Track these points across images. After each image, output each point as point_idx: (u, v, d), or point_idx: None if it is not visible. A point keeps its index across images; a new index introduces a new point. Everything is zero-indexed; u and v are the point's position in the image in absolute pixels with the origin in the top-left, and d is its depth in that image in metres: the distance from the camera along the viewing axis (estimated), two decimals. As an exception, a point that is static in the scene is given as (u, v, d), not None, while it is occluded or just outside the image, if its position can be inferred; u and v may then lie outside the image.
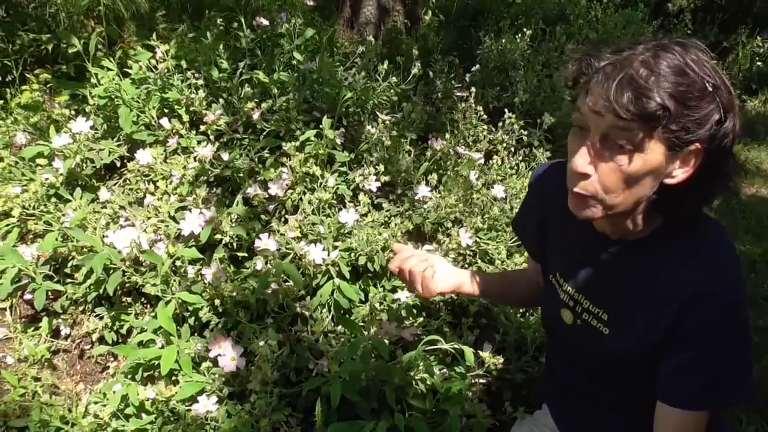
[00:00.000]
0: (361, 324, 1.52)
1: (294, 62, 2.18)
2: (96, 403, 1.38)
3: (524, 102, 2.23)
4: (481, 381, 1.56)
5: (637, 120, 0.78)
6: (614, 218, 0.92)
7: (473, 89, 2.33)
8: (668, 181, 0.84)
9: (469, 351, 1.47)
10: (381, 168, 1.87)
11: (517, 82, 2.43)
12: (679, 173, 0.84)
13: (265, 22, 2.26)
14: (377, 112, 2.05)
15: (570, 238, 1.06)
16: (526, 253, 1.79)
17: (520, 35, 2.71)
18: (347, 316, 1.59)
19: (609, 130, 0.81)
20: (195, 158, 1.77)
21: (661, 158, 0.82)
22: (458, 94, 2.32)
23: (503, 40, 2.72)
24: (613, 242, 0.97)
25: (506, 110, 2.21)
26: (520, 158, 2.11)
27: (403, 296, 1.63)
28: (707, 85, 0.79)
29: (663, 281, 0.92)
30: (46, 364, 1.59)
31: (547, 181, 1.11)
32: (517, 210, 1.28)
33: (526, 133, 2.22)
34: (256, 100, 1.93)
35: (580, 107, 0.84)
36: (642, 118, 0.78)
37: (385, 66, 2.13)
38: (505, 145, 2.15)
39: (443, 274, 1.12)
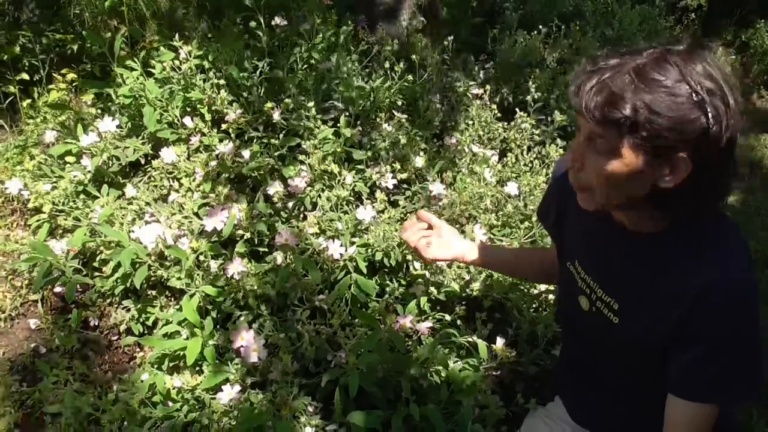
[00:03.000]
0: (378, 317, 1.57)
1: (312, 61, 2.22)
2: (125, 391, 1.43)
3: (538, 100, 2.25)
4: (494, 373, 1.59)
5: (604, 126, 0.83)
6: (621, 212, 0.96)
7: (488, 87, 2.37)
8: (661, 185, 0.86)
9: (482, 344, 1.51)
10: (397, 166, 1.91)
11: (531, 79, 2.45)
12: (670, 179, 0.85)
13: (284, 22, 2.30)
14: (393, 111, 2.09)
15: (588, 228, 1.09)
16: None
17: (534, 33, 2.73)
18: (364, 309, 1.63)
19: (589, 132, 0.86)
20: (217, 156, 1.83)
21: (640, 164, 0.85)
22: (473, 91, 2.35)
23: (518, 38, 2.74)
24: (629, 234, 0.99)
25: (517, 109, 2.24)
26: (534, 156, 2.13)
27: (418, 291, 1.68)
28: (693, 94, 0.80)
29: (675, 275, 0.94)
30: (76, 354, 1.66)
31: (565, 174, 1.15)
32: (538, 202, 1.33)
33: (538, 131, 2.24)
34: (275, 99, 1.98)
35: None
36: (607, 124, 0.82)
37: (401, 64, 2.17)
38: (518, 142, 2.18)
39: (441, 245, 1.27)
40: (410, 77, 2.19)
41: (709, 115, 0.80)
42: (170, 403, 1.41)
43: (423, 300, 1.65)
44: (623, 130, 0.82)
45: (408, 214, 1.87)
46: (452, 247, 1.29)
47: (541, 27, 2.72)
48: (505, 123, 2.26)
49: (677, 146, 0.82)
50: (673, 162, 0.84)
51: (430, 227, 1.30)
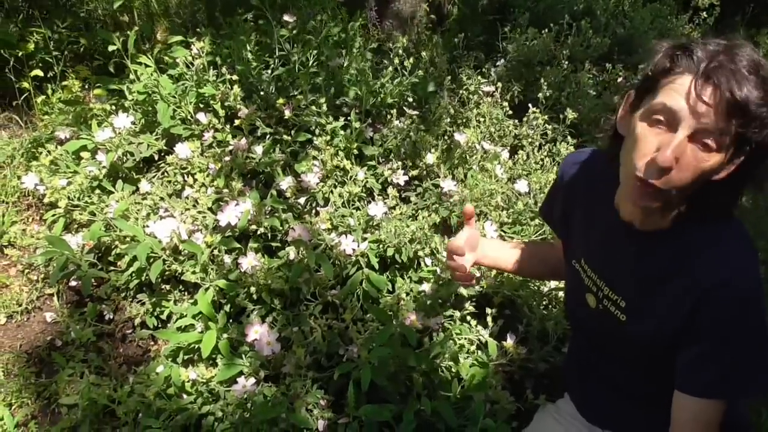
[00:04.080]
0: (389, 313, 1.58)
1: (323, 58, 2.24)
2: (140, 383, 1.46)
3: (549, 97, 2.26)
4: (504, 370, 1.60)
5: (740, 118, 0.79)
6: (654, 210, 0.93)
7: (499, 84, 2.37)
8: (714, 176, 0.86)
9: (492, 341, 1.52)
10: (408, 162, 1.92)
11: (542, 77, 2.45)
12: (724, 172, 0.86)
13: (294, 19, 2.31)
14: (404, 107, 2.10)
15: (595, 226, 1.09)
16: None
17: (546, 30, 2.72)
18: (375, 305, 1.65)
19: (704, 128, 0.81)
20: (230, 152, 1.85)
21: (730, 156, 0.84)
22: (484, 88, 2.36)
23: (528, 35, 2.74)
24: (636, 232, 0.99)
25: (530, 105, 2.24)
26: (545, 153, 2.14)
27: (428, 287, 1.69)
28: None
29: (682, 272, 0.95)
30: (91, 346, 1.68)
31: (573, 172, 1.15)
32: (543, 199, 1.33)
33: (550, 128, 2.25)
34: (287, 95, 2.00)
35: (673, 100, 0.83)
36: (746, 118, 0.80)
37: (411, 60, 2.17)
38: (530, 140, 2.18)
39: (464, 261, 1.26)
40: (421, 73, 2.20)
41: None
42: (185, 396, 1.43)
43: (434, 296, 1.66)
44: (749, 126, 0.80)
45: (419, 211, 1.88)
46: (470, 258, 1.29)
47: (552, 25, 2.71)
48: (516, 120, 2.26)
49: (759, 140, 0.82)
50: (737, 158, 0.84)
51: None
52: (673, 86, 0.84)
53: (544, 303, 1.77)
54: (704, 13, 3.36)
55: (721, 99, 0.79)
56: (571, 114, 2.20)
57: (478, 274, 1.73)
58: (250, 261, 1.58)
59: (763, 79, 0.80)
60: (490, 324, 1.57)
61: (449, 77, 2.36)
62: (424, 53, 2.28)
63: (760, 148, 0.84)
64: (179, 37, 2.25)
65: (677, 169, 0.84)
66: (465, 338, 1.56)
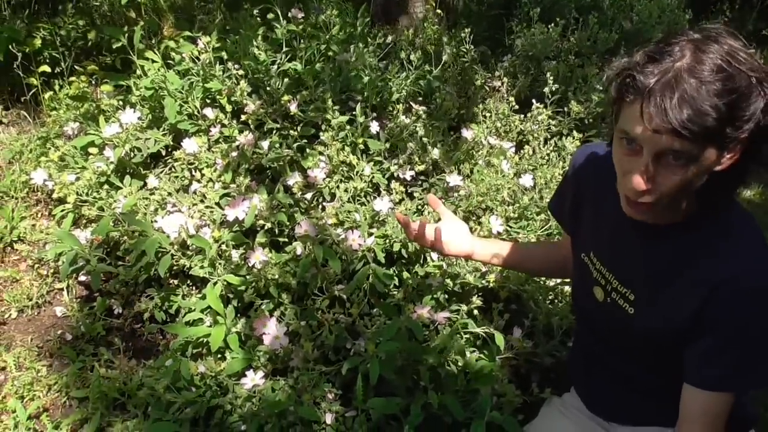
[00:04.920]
0: (396, 307, 1.59)
1: (329, 53, 2.24)
2: (150, 376, 1.47)
3: (555, 92, 2.25)
4: (511, 364, 1.61)
5: (697, 136, 0.78)
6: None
7: (505, 79, 2.37)
8: (716, 168, 0.86)
9: (499, 335, 1.53)
10: (414, 157, 1.92)
11: (548, 71, 2.45)
12: (726, 161, 0.85)
13: (300, 14, 2.32)
14: (411, 102, 2.10)
15: (604, 219, 1.09)
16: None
17: (552, 25, 2.72)
18: (382, 299, 1.66)
19: (664, 148, 0.82)
20: (237, 147, 1.85)
21: (713, 158, 0.83)
22: (490, 83, 2.36)
23: (535, 30, 2.73)
24: (646, 225, 0.98)
25: (534, 101, 2.24)
26: (551, 148, 2.14)
27: (436, 282, 1.70)
28: (751, 79, 0.79)
29: (691, 266, 0.96)
30: (101, 340, 1.70)
31: (583, 165, 1.16)
32: (551, 195, 1.34)
33: (555, 122, 2.25)
34: (293, 90, 2.00)
35: (629, 127, 0.84)
36: (702, 134, 0.78)
37: (417, 54, 2.17)
38: (535, 135, 2.18)
39: (456, 242, 1.27)
40: (427, 68, 2.20)
41: (765, 97, 0.80)
42: (194, 389, 1.44)
43: (440, 291, 1.67)
44: (714, 135, 0.79)
45: (425, 206, 1.88)
46: (461, 245, 1.30)
47: (558, 19, 2.71)
48: (522, 115, 2.26)
49: (743, 135, 0.81)
50: (734, 148, 0.84)
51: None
52: (629, 112, 0.84)
53: (550, 298, 1.78)
54: (713, 6, 3.34)
55: (670, 121, 0.78)
56: (577, 108, 2.20)
57: (484, 269, 1.73)
58: (258, 256, 1.59)
59: (727, 78, 0.78)
60: (496, 318, 1.57)
61: (455, 72, 2.36)
62: (430, 48, 2.28)
63: (757, 138, 0.83)
64: (185, 32, 2.26)
65: (656, 185, 0.86)
66: (471, 332, 1.57)
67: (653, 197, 0.87)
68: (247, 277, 1.61)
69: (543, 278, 1.79)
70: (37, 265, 1.87)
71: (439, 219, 1.34)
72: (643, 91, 0.80)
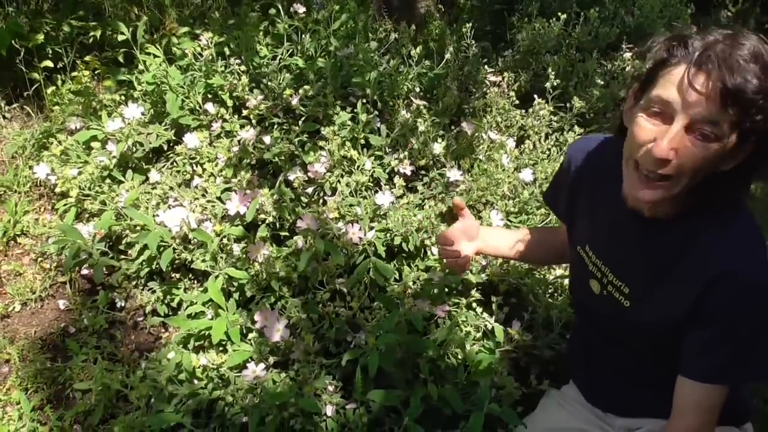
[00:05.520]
0: (396, 301, 1.60)
1: (331, 48, 2.24)
2: (152, 369, 1.49)
3: (556, 87, 2.26)
4: (510, 356, 1.62)
5: (736, 107, 0.79)
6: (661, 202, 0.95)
7: (506, 74, 2.37)
8: (722, 167, 0.86)
9: (499, 327, 1.54)
10: (415, 152, 1.93)
11: (549, 66, 2.45)
12: (740, 155, 0.86)
13: (302, 9, 2.32)
14: (411, 97, 2.11)
15: (601, 212, 1.10)
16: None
17: (553, 19, 2.72)
18: (382, 293, 1.67)
19: (699, 117, 0.82)
20: (238, 142, 1.86)
21: (732, 146, 0.84)
22: (491, 78, 2.36)
23: (536, 25, 2.73)
24: (643, 219, 0.99)
25: (535, 96, 2.24)
26: (552, 143, 2.14)
27: (436, 276, 1.71)
28: None
29: (688, 260, 0.96)
30: (103, 333, 1.71)
31: (579, 158, 1.16)
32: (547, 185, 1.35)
33: (556, 118, 2.25)
34: (294, 85, 2.01)
35: (668, 92, 0.84)
36: (741, 106, 0.79)
37: (418, 49, 2.18)
38: (536, 129, 2.19)
39: (464, 250, 1.31)
40: (428, 63, 2.20)
41: None
42: (196, 381, 1.46)
43: (440, 285, 1.68)
44: (745, 113, 0.80)
45: (426, 200, 1.89)
46: (470, 247, 1.34)
47: (559, 14, 2.70)
48: (523, 110, 2.27)
49: (762, 130, 0.82)
50: (746, 143, 0.84)
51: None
52: (669, 77, 0.85)
53: (549, 291, 1.79)
54: (716, 1, 3.32)
55: (714, 87, 0.80)
56: (578, 103, 2.20)
57: (484, 263, 1.74)
58: (260, 249, 1.60)
59: (764, 68, 0.80)
60: (496, 312, 1.58)
61: (457, 67, 2.36)
62: (431, 43, 2.28)
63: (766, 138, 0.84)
64: (187, 28, 2.27)
65: (679, 158, 0.85)
66: (471, 325, 1.58)
67: (673, 170, 0.86)
68: (249, 270, 1.62)
69: (543, 272, 1.80)
70: (40, 259, 1.88)
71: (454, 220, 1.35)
72: (693, 55, 0.82)
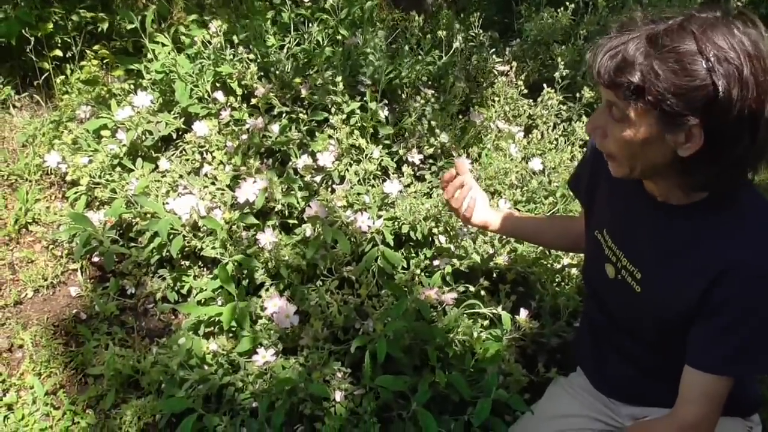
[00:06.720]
0: (404, 288, 1.61)
1: (339, 37, 2.24)
2: (163, 354, 1.50)
3: (565, 76, 2.25)
4: (518, 344, 1.63)
5: (614, 90, 0.85)
6: (651, 181, 0.98)
7: (514, 63, 2.37)
8: (680, 153, 0.86)
9: (506, 315, 1.55)
10: (423, 141, 1.93)
11: (557, 56, 2.44)
12: (689, 146, 0.85)
13: (310, -2, 2.32)
14: (420, 87, 2.10)
15: (618, 197, 1.11)
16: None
17: (561, 9, 2.70)
18: (390, 281, 1.68)
19: (608, 99, 0.88)
20: (247, 130, 1.87)
21: (653, 131, 0.85)
22: (499, 68, 2.35)
23: (544, 14, 2.71)
24: (658, 205, 1.00)
25: (544, 85, 2.23)
26: (560, 133, 2.14)
27: (443, 263, 1.71)
28: (704, 62, 0.79)
29: (701, 249, 0.96)
30: (114, 320, 1.73)
31: None
32: (568, 176, 1.36)
33: (565, 108, 2.24)
34: (303, 74, 2.01)
35: None
36: (616, 88, 0.84)
37: (427, 38, 2.17)
38: (544, 119, 2.18)
39: (477, 212, 1.32)
40: (436, 52, 2.20)
41: (719, 84, 0.79)
42: (206, 366, 1.48)
43: (447, 269, 1.68)
44: (629, 95, 0.83)
45: (434, 189, 1.90)
46: (482, 215, 1.34)
47: (567, 3, 2.69)
48: (531, 100, 2.26)
49: (686, 114, 0.81)
50: (686, 130, 0.83)
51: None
52: None
53: (556, 280, 1.79)
54: None
55: (596, 69, 0.86)
56: (587, 93, 2.20)
57: (491, 251, 1.75)
58: (268, 237, 1.61)
59: (646, 53, 0.82)
60: (504, 299, 1.59)
61: (465, 56, 2.35)
62: (439, 32, 2.28)
63: (717, 124, 0.82)
64: (194, 16, 2.27)
65: (607, 139, 0.92)
66: (478, 313, 1.58)
67: (605, 149, 0.94)
68: (258, 257, 1.63)
69: (551, 260, 1.80)
70: (51, 247, 1.90)
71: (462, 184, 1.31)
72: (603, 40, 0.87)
